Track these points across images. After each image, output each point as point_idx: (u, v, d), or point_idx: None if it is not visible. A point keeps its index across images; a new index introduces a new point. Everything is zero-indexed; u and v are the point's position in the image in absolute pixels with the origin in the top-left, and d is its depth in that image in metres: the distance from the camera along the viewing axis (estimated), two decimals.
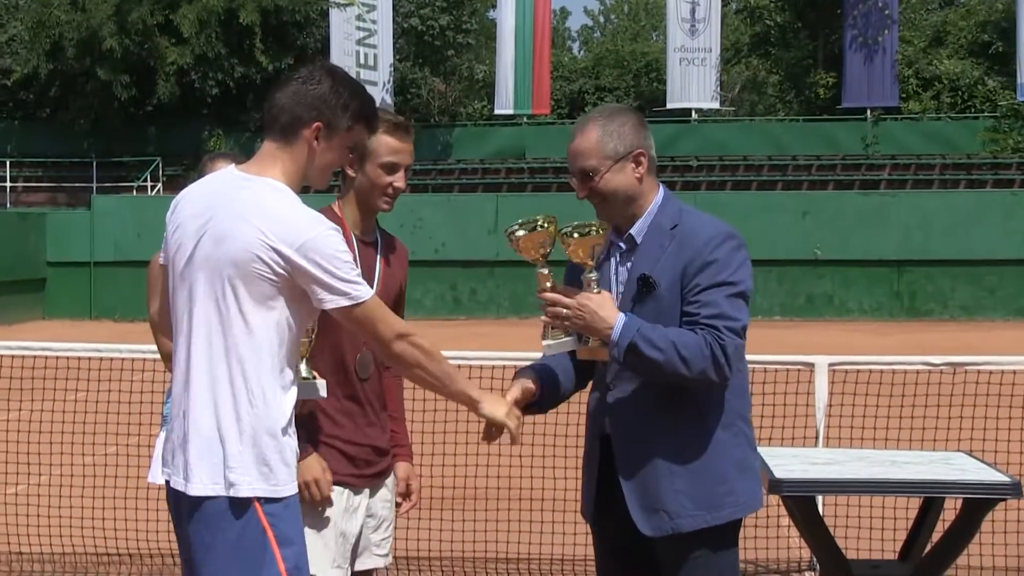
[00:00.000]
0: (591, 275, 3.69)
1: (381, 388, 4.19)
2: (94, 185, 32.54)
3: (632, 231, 3.78)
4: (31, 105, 36.69)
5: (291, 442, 3.37)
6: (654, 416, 3.70)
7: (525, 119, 35.57)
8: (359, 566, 4.12)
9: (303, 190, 3.51)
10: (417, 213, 26.28)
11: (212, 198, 3.43)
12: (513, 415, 3.66)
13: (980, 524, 4.85)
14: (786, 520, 5.86)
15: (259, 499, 3.30)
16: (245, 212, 3.33)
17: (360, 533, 4.07)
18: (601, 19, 68.32)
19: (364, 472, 4.07)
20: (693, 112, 35.46)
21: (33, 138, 35.06)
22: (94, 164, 32.77)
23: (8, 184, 32.76)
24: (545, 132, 35.71)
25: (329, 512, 3.95)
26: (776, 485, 4.67)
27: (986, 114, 35.37)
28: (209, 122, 36.21)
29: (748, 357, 7.19)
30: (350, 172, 4.08)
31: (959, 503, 4.80)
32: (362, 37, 35.22)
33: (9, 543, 7.13)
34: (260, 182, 3.40)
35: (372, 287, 3.81)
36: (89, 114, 33.49)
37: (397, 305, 4.19)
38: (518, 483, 7.57)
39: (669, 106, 35.14)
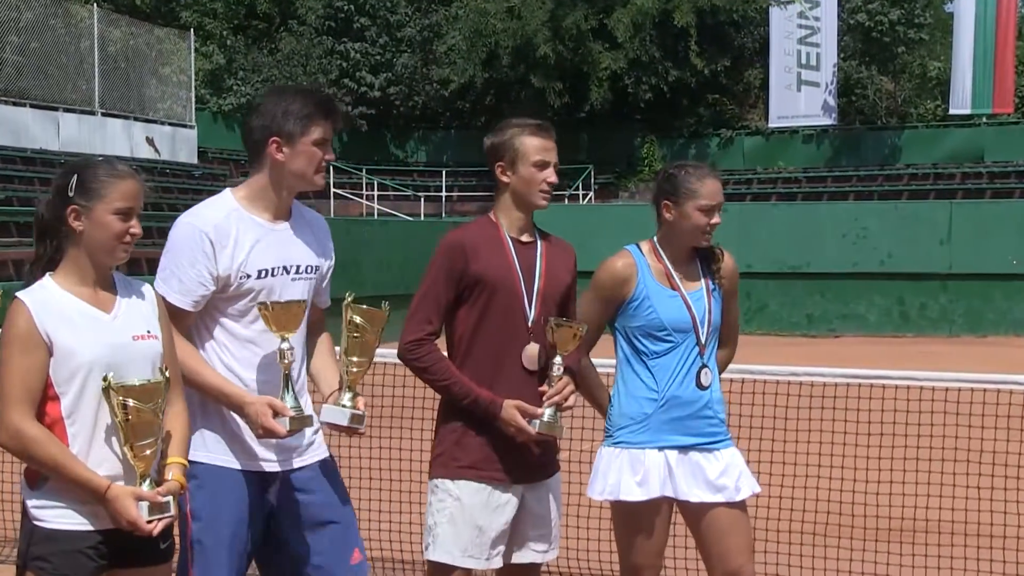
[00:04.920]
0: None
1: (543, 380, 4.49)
2: None
3: None
4: (467, 114, 38.83)
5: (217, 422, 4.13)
6: None
7: (984, 119, 33.90)
8: (516, 559, 4.57)
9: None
10: (861, 222, 25.62)
11: None
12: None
13: None
14: None
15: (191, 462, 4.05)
16: None
17: (508, 529, 4.47)
18: None
19: (514, 469, 4.44)
20: None
21: (468, 147, 37.02)
22: None
23: (444, 193, 34.80)
24: (1007, 133, 33.89)
25: (466, 505, 4.42)
26: None
27: None
28: (641, 128, 36.97)
29: None
30: (503, 178, 4.51)
31: None
32: (804, 36, 34.83)
33: None
34: None
35: (534, 286, 4.48)
36: None
37: (564, 305, 4.58)
38: (975, 516, 7.21)
39: None
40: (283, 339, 4.09)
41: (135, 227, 3.73)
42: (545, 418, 4.42)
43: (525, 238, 4.58)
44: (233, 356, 4.18)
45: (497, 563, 4.53)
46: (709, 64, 35.44)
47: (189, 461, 4.05)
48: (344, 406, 4.19)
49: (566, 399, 4.49)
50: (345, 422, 4.18)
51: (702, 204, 4.71)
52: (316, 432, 4.36)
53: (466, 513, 4.43)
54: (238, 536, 4.15)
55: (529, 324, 4.47)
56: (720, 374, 4.91)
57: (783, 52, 34.92)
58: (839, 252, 25.41)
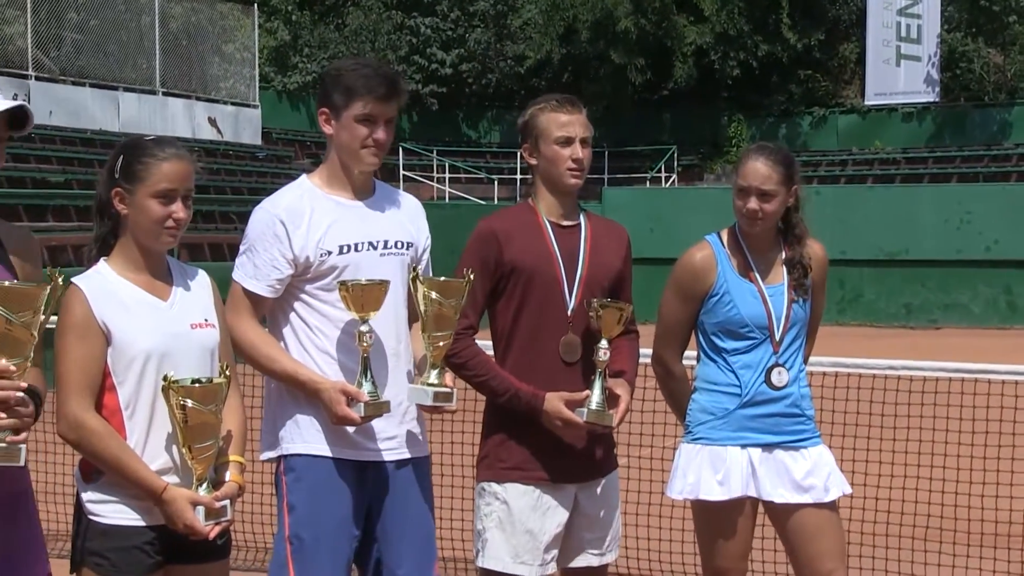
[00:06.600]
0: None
1: (588, 375, 4.42)
2: (605, 176, 33.94)
3: None
4: (543, 92, 38.55)
5: (311, 412, 4.15)
6: None
7: None
8: (571, 563, 4.54)
9: None
10: (965, 206, 25.29)
11: None
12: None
13: None
14: None
15: (283, 457, 4.20)
16: None
17: (562, 532, 4.45)
18: None
19: (563, 469, 4.41)
20: None
21: None
22: (605, 154, 34.13)
23: (519, 176, 34.77)
24: None
25: (514, 508, 4.40)
26: None
27: None
28: (728, 106, 36.71)
29: None
30: (531, 160, 4.48)
31: None
32: (904, 6, 34.37)
33: None
34: None
35: (576, 273, 4.42)
36: (602, 101, 34.78)
37: (614, 292, 4.51)
38: None
39: None
40: (362, 321, 4.11)
41: (178, 211, 3.72)
42: (592, 406, 4.34)
43: (567, 222, 4.53)
44: (327, 338, 4.22)
45: (552, 569, 4.51)
46: (801, 38, 35.07)
47: (286, 455, 4.17)
48: (430, 384, 4.20)
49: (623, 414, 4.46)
50: (429, 401, 4.20)
51: (738, 184, 4.67)
52: (422, 426, 4.40)
53: (515, 517, 4.42)
54: (341, 530, 4.18)
55: (569, 313, 4.43)
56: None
57: (881, 24, 34.46)
58: (941, 238, 25.11)
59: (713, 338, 4.69)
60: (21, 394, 3.39)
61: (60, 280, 3.49)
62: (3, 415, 3.36)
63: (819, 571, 4.63)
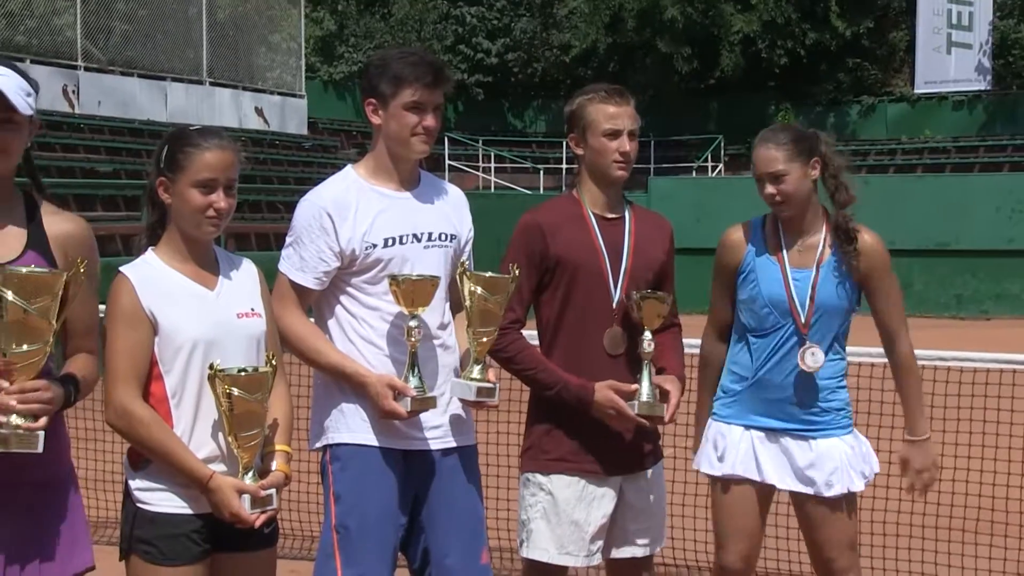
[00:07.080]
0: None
1: (633, 368, 4.44)
2: (651, 166, 33.81)
3: None
4: (589, 82, 38.41)
5: (356, 401, 4.17)
6: None
7: None
8: (616, 554, 4.58)
9: None
10: (1017, 195, 25.01)
11: None
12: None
13: None
14: None
15: (328, 446, 4.24)
16: None
17: (607, 523, 4.47)
18: None
19: (608, 460, 4.44)
20: None
21: None
22: (651, 144, 34.04)
23: (564, 166, 34.76)
24: None
25: (559, 499, 4.44)
26: None
27: None
28: (776, 95, 36.52)
29: None
30: (577, 150, 4.48)
31: None
32: None
33: None
34: None
35: (621, 265, 4.44)
36: (648, 90, 34.72)
37: (657, 285, 4.54)
38: None
39: None
40: (411, 316, 4.12)
41: (219, 201, 3.73)
42: (643, 398, 4.37)
43: (611, 214, 4.55)
44: (372, 328, 4.23)
45: (597, 560, 4.53)
46: (850, 25, 34.86)
47: (332, 445, 4.19)
48: (473, 379, 4.21)
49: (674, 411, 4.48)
50: (472, 396, 4.21)
51: (754, 172, 4.67)
52: (468, 415, 4.41)
53: (560, 508, 4.44)
54: (386, 519, 4.19)
55: (613, 305, 4.46)
56: (905, 379, 4.94)
57: (932, 11, 34.18)
58: (992, 227, 24.87)
59: (740, 316, 4.74)
60: (37, 384, 3.38)
61: (82, 268, 3.46)
62: (15, 403, 3.33)
63: (821, 557, 4.72)
